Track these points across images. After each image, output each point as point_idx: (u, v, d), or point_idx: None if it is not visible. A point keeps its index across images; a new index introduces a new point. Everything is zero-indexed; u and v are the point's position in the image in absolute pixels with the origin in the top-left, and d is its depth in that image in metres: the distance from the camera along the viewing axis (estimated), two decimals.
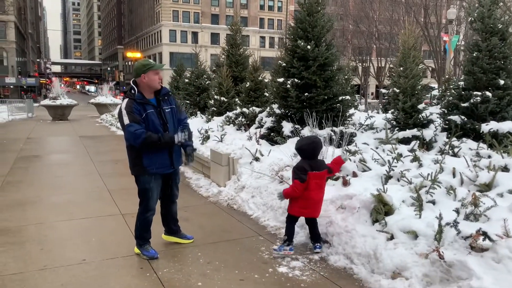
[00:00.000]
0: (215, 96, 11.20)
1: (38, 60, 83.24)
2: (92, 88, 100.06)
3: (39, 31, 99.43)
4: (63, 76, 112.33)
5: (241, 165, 6.84)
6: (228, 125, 9.53)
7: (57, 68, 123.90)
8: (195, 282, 3.80)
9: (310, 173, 4.23)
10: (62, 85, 27.64)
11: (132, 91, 4.09)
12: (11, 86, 54.58)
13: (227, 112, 10.19)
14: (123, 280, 3.84)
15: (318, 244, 4.43)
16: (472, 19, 7.00)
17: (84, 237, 4.96)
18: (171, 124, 4.19)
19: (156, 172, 4.14)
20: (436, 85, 29.32)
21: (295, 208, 4.36)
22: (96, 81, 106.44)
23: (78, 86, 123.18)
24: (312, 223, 4.48)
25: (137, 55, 59.72)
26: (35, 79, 59.85)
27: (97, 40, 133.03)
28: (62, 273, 3.97)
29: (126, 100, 4.07)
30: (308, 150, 4.34)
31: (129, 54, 65.51)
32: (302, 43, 7.19)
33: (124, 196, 6.62)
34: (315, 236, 4.47)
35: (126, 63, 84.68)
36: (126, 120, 3.95)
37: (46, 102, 23.69)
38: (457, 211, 3.85)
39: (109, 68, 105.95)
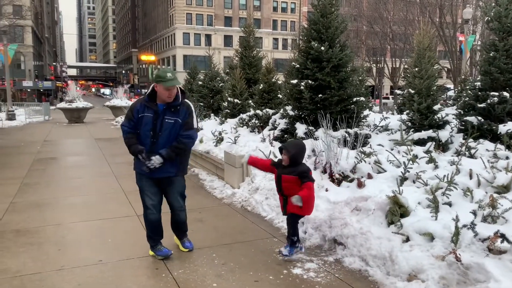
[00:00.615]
0: (229, 98, 11.24)
1: (54, 63, 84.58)
2: (107, 91, 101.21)
3: (55, 35, 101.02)
4: (79, 79, 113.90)
5: None
6: (242, 127, 9.55)
7: (72, 72, 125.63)
8: (210, 283, 3.82)
9: None
10: (78, 88, 28.02)
11: (147, 92, 4.16)
12: (28, 90, 55.57)
13: (241, 114, 10.21)
14: (139, 281, 3.87)
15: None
16: (489, 18, 6.90)
17: (100, 238, 5.02)
18: (165, 135, 4.07)
19: (139, 172, 4.23)
20: (452, 86, 28.97)
21: (311, 209, 4.36)
22: (111, 84, 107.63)
23: (93, 89, 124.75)
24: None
25: (151, 58, 60.32)
26: (52, 83, 60.83)
27: (112, 43, 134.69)
28: (79, 273, 4.02)
29: (139, 98, 4.30)
30: (302, 154, 4.35)
31: (144, 57, 66.18)
32: (316, 44, 7.17)
33: (139, 197, 6.66)
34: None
35: (141, 66, 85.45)
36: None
37: (62, 105, 24.05)
38: (474, 213, 3.80)
39: (123, 71, 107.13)
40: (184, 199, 4.50)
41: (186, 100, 4.22)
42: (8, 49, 25.09)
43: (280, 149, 4.39)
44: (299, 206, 4.08)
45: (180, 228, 4.57)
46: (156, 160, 4.02)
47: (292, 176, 4.19)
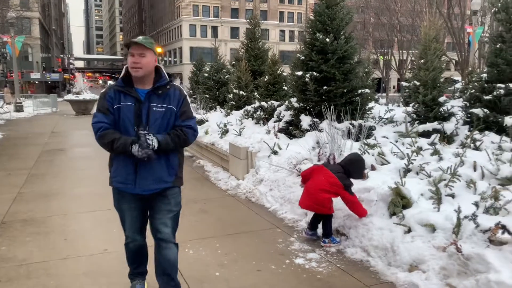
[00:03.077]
0: (234, 90, 11.25)
1: (61, 55, 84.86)
2: (113, 83, 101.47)
3: (63, 27, 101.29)
4: (86, 71, 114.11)
5: (260, 158, 6.89)
6: (247, 119, 9.57)
7: (80, 64, 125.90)
8: (213, 272, 3.87)
9: None
10: (85, 80, 28.24)
11: (120, 76, 3.02)
12: (36, 82, 55.90)
13: (246, 106, 10.23)
14: None
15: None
16: (496, 9, 6.84)
17: (105, 228, 5.09)
18: (155, 129, 2.90)
19: (117, 187, 3.06)
20: (460, 78, 28.70)
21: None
22: (117, 76, 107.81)
23: (100, 81, 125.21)
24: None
25: (158, 50, 60.21)
26: (59, 75, 61.06)
27: (118, 35, 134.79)
28: (84, 262, 4.09)
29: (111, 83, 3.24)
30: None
31: None
32: (321, 36, 7.15)
33: None
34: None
35: None
36: (95, 108, 3.05)
37: (70, 97, 24.22)
38: (476, 204, 3.80)
39: None
40: (176, 228, 3.17)
41: (175, 83, 3.12)
42: (15, 41, 25.25)
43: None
44: None
45: (166, 272, 3.13)
46: (154, 141, 2.82)
47: None
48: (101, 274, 3.84)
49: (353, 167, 4.44)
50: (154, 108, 2.92)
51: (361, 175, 4.62)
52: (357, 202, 4.34)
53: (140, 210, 3.09)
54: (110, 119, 2.90)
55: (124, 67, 2.98)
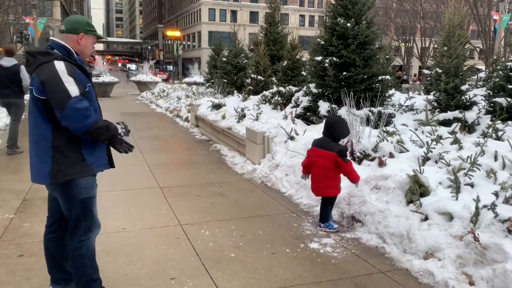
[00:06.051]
0: (252, 75, 11.20)
1: None
2: (133, 66, 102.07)
3: (83, 9, 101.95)
4: (106, 54, 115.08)
5: (276, 143, 6.89)
6: (264, 104, 9.54)
7: (99, 47, 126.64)
8: (228, 253, 3.92)
9: None
10: (105, 63, 28.53)
11: (64, 51, 2.69)
12: None
13: (264, 91, 10.18)
14: (159, 249, 4.01)
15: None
16: None
17: (124, 207, 5.19)
18: None
19: (98, 171, 2.90)
20: (483, 67, 28.02)
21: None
22: (137, 59, 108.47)
23: (119, 64, 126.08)
24: None
25: (177, 33, 60.29)
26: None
27: (138, 18, 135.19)
28: (104, 240, 4.16)
29: (62, 62, 2.61)
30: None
31: (169, 33, 66.14)
32: (342, 21, 7.04)
33: (162, 170, 6.86)
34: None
35: (166, 42, 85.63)
36: (75, 90, 2.54)
37: None
38: (496, 194, 3.75)
39: (149, 47, 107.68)
40: None
41: None
42: (37, 23, 25.57)
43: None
44: None
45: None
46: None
47: None
48: (120, 252, 3.93)
49: (333, 131, 4.43)
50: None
51: (345, 133, 4.54)
52: (351, 171, 4.37)
53: None
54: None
55: (69, 46, 2.71)
